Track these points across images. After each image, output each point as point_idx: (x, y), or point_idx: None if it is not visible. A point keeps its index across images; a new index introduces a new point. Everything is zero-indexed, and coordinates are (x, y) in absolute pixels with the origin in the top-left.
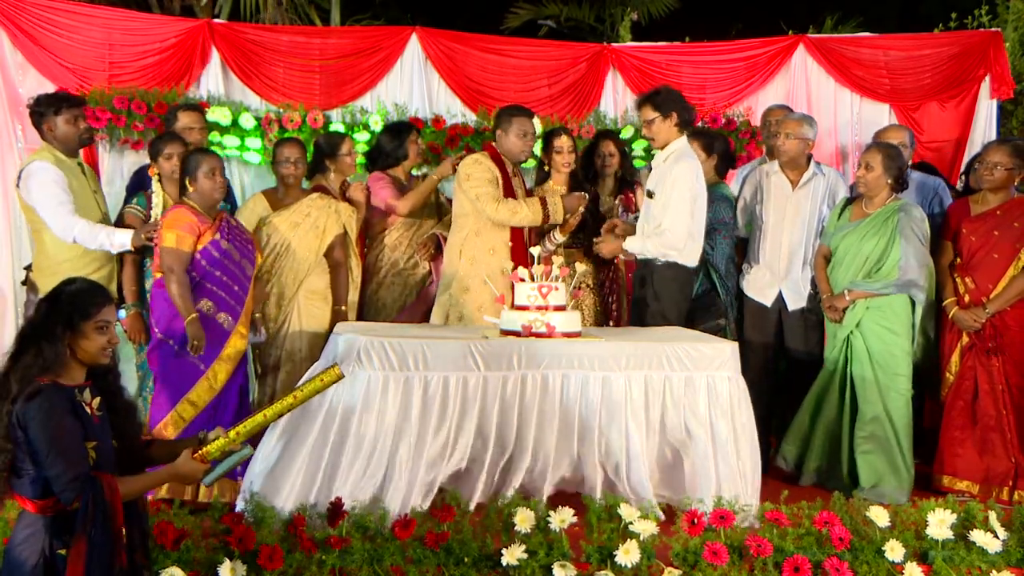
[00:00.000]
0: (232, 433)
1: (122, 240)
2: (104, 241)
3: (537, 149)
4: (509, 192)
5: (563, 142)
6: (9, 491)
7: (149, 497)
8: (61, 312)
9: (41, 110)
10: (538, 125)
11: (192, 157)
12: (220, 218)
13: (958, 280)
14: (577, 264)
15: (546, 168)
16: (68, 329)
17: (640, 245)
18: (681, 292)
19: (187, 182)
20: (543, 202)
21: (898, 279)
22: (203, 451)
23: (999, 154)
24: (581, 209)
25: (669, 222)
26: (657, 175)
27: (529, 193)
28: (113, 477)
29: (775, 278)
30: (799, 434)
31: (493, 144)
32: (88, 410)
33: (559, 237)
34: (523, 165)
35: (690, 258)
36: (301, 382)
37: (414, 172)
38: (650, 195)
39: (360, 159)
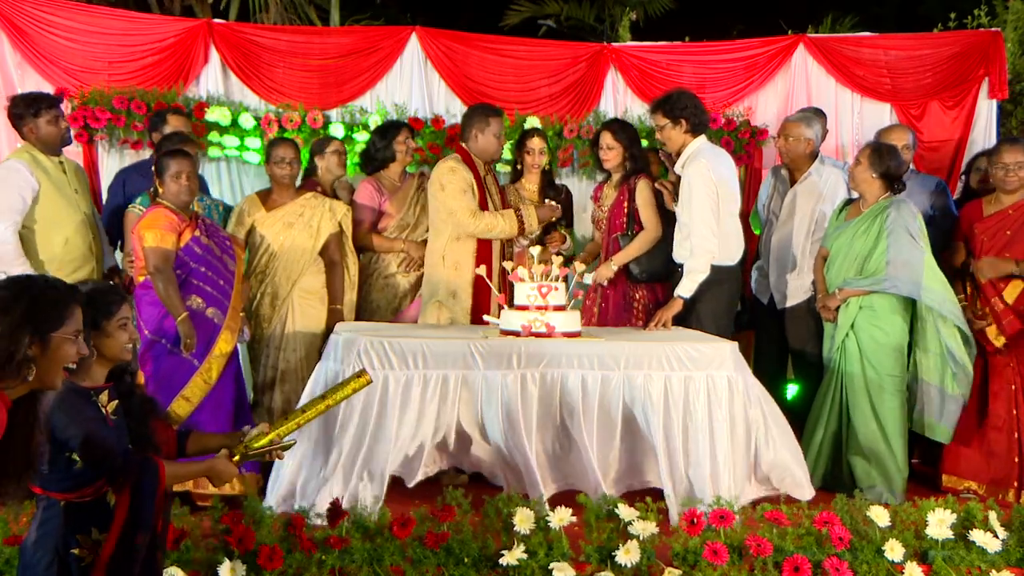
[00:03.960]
0: (264, 440)
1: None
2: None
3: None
4: (483, 194)
5: (534, 143)
6: (31, 490)
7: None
8: (84, 314)
9: (20, 112)
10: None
11: (162, 159)
12: (195, 217)
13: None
14: (577, 264)
15: (519, 167)
16: (93, 329)
17: (690, 282)
18: (720, 293)
19: (158, 183)
20: (518, 214)
21: (886, 275)
22: (237, 456)
23: (1018, 153)
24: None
25: (696, 229)
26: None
27: (502, 191)
28: (162, 460)
29: (769, 277)
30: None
31: (463, 145)
32: (104, 412)
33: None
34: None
35: (729, 255)
36: (326, 387)
37: (411, 170)
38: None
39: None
